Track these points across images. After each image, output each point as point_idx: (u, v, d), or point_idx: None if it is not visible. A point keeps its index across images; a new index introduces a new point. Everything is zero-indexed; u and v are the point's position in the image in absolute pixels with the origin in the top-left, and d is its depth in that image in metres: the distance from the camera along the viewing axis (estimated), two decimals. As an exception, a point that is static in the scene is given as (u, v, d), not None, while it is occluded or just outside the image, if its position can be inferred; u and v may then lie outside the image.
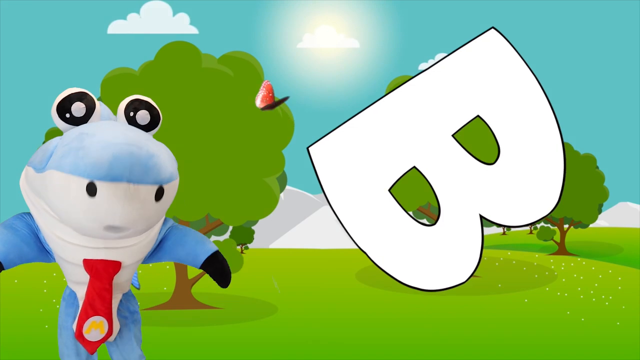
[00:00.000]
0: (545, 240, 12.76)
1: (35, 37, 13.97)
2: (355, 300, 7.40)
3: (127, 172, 2.14)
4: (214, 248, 2.66)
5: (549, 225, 12.87)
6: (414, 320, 6.20)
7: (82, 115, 2.32)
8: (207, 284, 7.65)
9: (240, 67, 6.58)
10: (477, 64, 2.75)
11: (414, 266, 2.77)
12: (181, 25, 14.15)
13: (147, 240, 2.49)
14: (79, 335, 2.45)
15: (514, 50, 2.76)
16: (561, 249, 12.56)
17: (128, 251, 2.43)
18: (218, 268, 2.66)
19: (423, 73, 2.76)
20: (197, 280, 7.16)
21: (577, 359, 4.97)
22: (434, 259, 2.77)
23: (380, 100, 2.75)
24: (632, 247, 13.07)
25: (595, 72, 15.20)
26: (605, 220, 15.58)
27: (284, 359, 4.97)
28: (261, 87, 3.14)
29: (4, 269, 2.36)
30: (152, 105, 2.44)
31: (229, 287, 2.72)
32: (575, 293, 7.83)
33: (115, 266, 2.42)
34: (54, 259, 2.49)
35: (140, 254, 2.52)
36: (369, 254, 2.77)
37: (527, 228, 15.43)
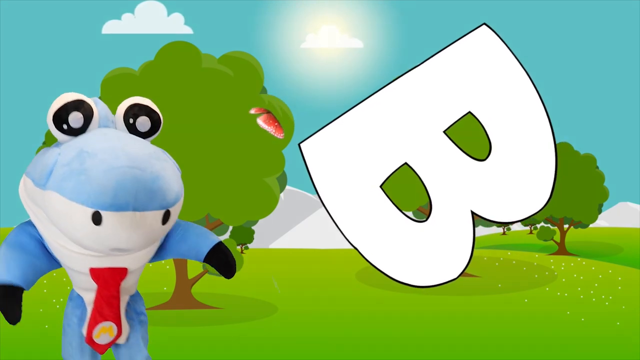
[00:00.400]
0: (545, 240, 12.76)
1: (30, 37, 13.97)
2: (355, 300, 7.40)
3: (132, 200, 2.07)
4: (216, 240, 2.59)
5: (549, 225, 12.87)
6: (414, 320, 6.20)
7: (79, 126, 2.24)
8: (207, 284, 7.66)
9: (240, 67, 6.58)
10: (468, 60, 2.75)
11: (405, 262, 2.77)
12: (176, 25, 14.17)
13: (153, 245, 2.48)
14: (89, 340, 2.45)
15: (505, 47, 2.75)
16: (561, 249, 12.56)
17: (133, 257, 2.41)
18: (222, 259, 2.57)
19: (414, 69, 2.76)
20: (197, 280, 7.17)
21: (577, 358, 4.97)
22: (425, 255, 2.76)
23: (372, 97, 2.75)
24: (632, 247, 13.06)
25: (595, 71, 15.19)
26: (605, 220, 15.58)
27: (284, 358, 4.97)
28: (267, 126, 3.10)
29: (25, 290, 2.31)
30: (152, 110, 2.37)
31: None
32: (575, 293, 7.83)
33: (121, 273, 2.41)
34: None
35: (145, 258, 2.51)
36: (360, 250, 2.77)
37: (527, 228, 15.43)
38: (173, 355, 4.96)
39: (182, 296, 7.09)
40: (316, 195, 2.78)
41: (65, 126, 2.22)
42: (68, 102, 2.22)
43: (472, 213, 2.75)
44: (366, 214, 2.73)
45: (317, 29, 14.98)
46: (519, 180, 2.74)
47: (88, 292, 2.45)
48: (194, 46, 6.59)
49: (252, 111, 3.07)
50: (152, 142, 2.43)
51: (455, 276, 2.77)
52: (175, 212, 2.25)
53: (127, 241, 2.14)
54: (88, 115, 2.25)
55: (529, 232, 15.34)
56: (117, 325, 2.46)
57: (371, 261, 2.76)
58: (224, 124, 6.39)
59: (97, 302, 2.41)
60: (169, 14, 14.24)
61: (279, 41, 14.30)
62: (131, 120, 2.34)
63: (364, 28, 14.62)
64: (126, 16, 14.11)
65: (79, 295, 2.50)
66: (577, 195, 11.71)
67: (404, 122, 2.73)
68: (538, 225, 13.27)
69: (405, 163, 2.75)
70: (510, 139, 2.74)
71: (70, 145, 2.21)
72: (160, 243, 2.56)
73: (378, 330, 5.85)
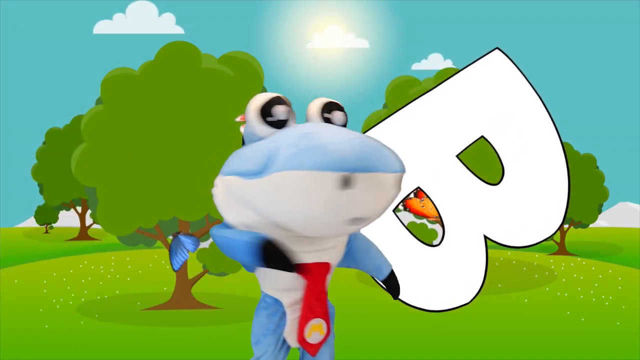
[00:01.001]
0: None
1: (23, 37, 14.00)
2: (355, 300, 7.40)
3: (376, 162, 2.08)
4: (389, 262, 2.72)
5: (549, 225, 12.87)
6: (414, 320, 6.20)
7: (286, 118, 2.30)
8: (207, 284, 7.66)
9: (240, 67, 6.58)
10: (481, 84, 2.74)
11: (419, 287, 2.78)
12: (167, 25, 14.24)
13: (344, 241, 2.52)
14: (302, 340, 2.46)
15: (518, 71, 2.74)
16: (561, 249, 12.55)
17: (333, 251, 2.44)
18: (395, 283, 2.73)
19: (428, 93, 2.74)
20: (197, 280, 7.16)
21: (577, 358, 4.97)
22: (439, 279, 2.78)
23: (385, 121, 2.75)
24: (632, 247, 13.07)
25: (595, 72, 15.21)
26: (605, 220, 15.58)
27: (284, 359, 4.97)
28: None
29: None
30: (342, 107, 2.43)
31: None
32: (575, 293, 7.83)
33: (327, 267, 2.43)
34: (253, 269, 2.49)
35: (340, 255, 2.53)
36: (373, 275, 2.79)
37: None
38: (173, 355, 4.96)
39: (182, 296, 7.09)
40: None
41: (269, 119, 2.30)
42: (272, 98, 2.32)
43: (485, 237, 2.76)
44: (379, 238, 2.73)
45: (324, 28, 15.00)
46: (531, 204, 2.73)
47: (288, 292, 2.46)
48: (194, 46, 6.58)
49: (238, 119, 3.04)
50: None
51: (469, 300, 2.78)
52: (403, 180, 2.26)
53: (371, 206, 2.14)
54: (291, 110, 2.34)
55: (529, 232, 15.34)
56: (326, 322, 2.48)
57: (384, 286, 2.78)
58: (224, 124, 6.38)
59: (306, 298, 2.42)
60: (160, 14, 14.30)
61: (280, 41, 14.31)
62: (326, 115, 2.39)
63: (370, 28, 14.63)
64: (117, 16, 14.18)
65: (275, 300, 2.50)
66: (577, 195, 11.68)
67: (417, 146, 2.73)
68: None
69: (418, 187, 2.76)
70: (523, 164, 2.73)
71: (285, 131, 2.26)
72: (347, 250, 2.60)
73: (378, 329, 5.85)
